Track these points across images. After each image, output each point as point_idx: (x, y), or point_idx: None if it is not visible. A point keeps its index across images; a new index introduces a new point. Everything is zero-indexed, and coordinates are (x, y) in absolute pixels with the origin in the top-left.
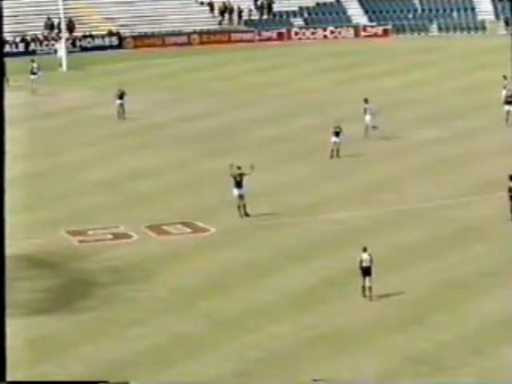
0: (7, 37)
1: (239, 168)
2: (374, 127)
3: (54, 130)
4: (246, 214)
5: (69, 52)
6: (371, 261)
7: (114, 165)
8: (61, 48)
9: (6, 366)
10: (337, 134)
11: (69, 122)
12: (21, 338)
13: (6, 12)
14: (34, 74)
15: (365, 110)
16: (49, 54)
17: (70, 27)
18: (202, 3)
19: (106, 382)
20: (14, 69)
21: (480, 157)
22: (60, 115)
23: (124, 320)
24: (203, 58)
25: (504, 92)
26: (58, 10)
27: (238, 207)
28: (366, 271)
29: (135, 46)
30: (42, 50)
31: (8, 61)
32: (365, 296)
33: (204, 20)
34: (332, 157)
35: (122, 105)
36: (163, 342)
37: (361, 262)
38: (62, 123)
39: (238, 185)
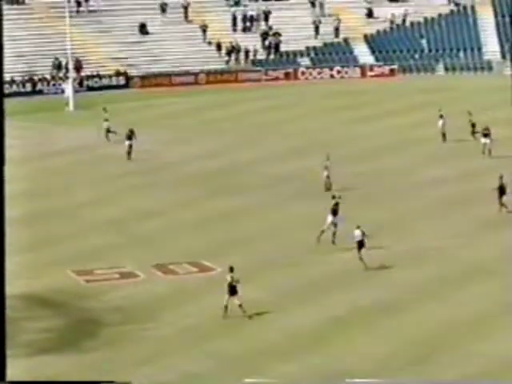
0: (15, 76)
1: (339, 197)
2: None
3: (60, 169)
4: (333, 242)
5: (76, 91)
6: (364, 235)
7: (121, 204)
8: (68, 88)
9: (6, 365)
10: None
11: (76, 162)
12: (25, 378)
13: (13, 52)
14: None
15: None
16: (56, 93)
17: (78, 67)
18: (209, 43)
19: (109, 382)
20: (21, 108)
21: (486, 195)
22: (67, 154)
23: (131, 360)
24: (210, 98)
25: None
26: (65, 49)
27: (322, 231)
28: (360, 244)
29: (142, 86)
30: (49, 90)
31: (15, 100)
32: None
33: (211, 60)
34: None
35: (130, 145)
36: (171, 382)
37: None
38: (68, 162)
39: (334, 213)
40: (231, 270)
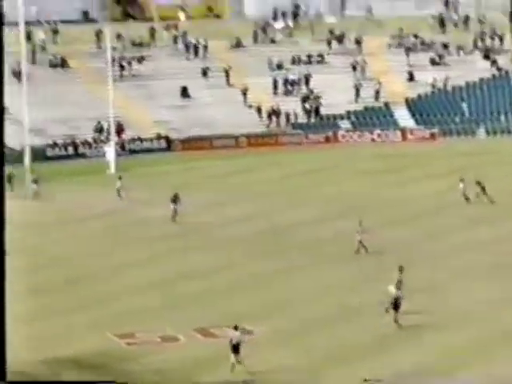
0: (57, 140)
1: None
2: None
3: (101, 231)
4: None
5: (118, 155)
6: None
7: (162, 266)
8: (110, 151)
9: (6, 365)
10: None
11: (116, 224)
12: None
13: (56, 115)
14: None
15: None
16: (98, 156)
17: (119, 130)
18: (250, 106)
19: (110, 382)
20: (63, 171)
21: None
22: (108, 216)
23: None
24: (251, 161)
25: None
26: (107, 113)
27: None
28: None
29: (183, 149)
30: (91, 153)
31: (57, 164)
32: None
33: (252, 123)
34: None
35: (175, 209)
36: None
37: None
38: (109, 224)
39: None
40: (235, 328)
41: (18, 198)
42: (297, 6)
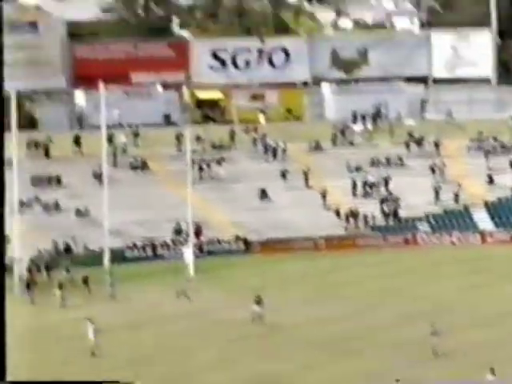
0: (136, 241)
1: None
2: None
3: (182, 333)
4: None
5: (196, 256)
6: None
7: (245, 367)
8: (188, 252)
9: (6, 365)
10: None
11: (196, 325)
12: None
13: (136, 216)
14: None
15: None
16: (176, 258)
17: (198, 232)
18: (328, 208)
19: (112, 382)
20: (142, 273)
21: None
22: (187, 318)
23: None
24: (329, 263)
25: None
26: (186, 214)
27: None
28: None
29: (262, 251)
30: (169, 255)
31: (136, 265)
32: None
33: (330, 225)
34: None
35: (258, 312)
36: None
37: None
38: (189, 326)
39: None
40: None
41: (95, 300)
42: (377, 110)
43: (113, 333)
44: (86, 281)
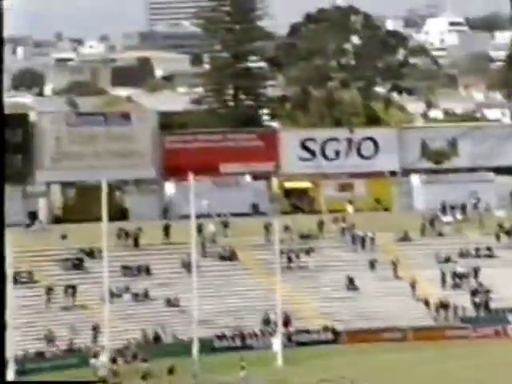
0: (225, 331)
1: None
2: None
3: None
4: None
5: (284, 346)
6: None
7: None
8: (276, 342)
9: (6, 365)
10: None
11: None
12: None
13: (225, 306)
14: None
15: None
16: (264, 348)
17: (286, 322)
18: (417, 299)
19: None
20: (230, 363)
21: None
22: None
23: None
24: (417, 354)
25: None
26: (274, 304)
27: None
28: None
29: (350, 341)
30: (258, 345)
31: (224, 356)
32: None
33: (419, 316)
34: None
35: None
36: None
37: None
38: None
39: None
40: None
41: None
42: (467, 201)
43: None
44: (171, 371)
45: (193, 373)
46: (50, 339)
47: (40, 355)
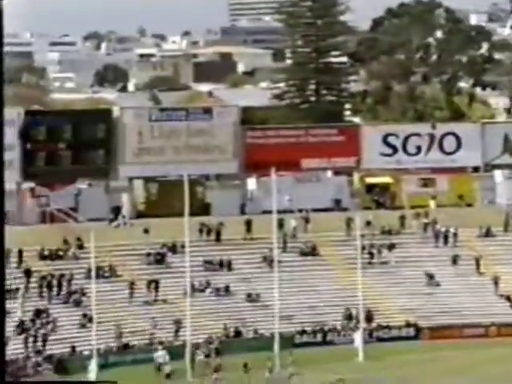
0: (306, 327)
1: None
2: None
3: None
4: None
5: (365, 342)
6: None
7: None
8: (358, 338)
9: (6, 365)
10: None
11: None
12: None
13: (306, 301)
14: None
15: None
16: (345, 344)
17: (368, 318)
18: (501, 295)
19: (112, 382)
20: (310, 359)
21: None
22: None
23: None
24: (500, 351)
25: None
26: (356, 300)
27: None
28: None
29: (431, 338)
30: (339, 340)
31: (305, 351)
32: None
33: (503, 312)
34: None
35: None
36: None
37: None
38: None
39: None
40: None
41: None
42: None
43: None
44: (245, 366)
45: (269, 368)
46: (132, 333)
47: (122, 349)
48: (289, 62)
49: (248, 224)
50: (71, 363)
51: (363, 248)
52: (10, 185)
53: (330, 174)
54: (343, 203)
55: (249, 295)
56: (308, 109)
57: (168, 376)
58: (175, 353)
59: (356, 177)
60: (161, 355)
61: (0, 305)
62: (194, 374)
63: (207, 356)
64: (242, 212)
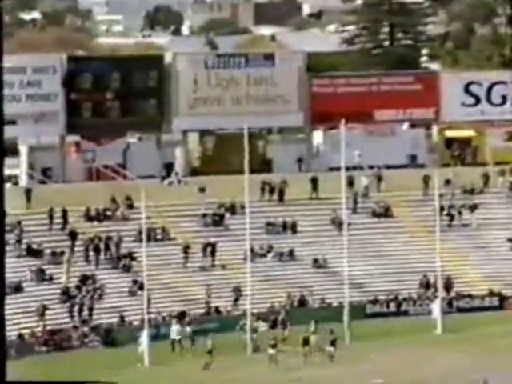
0: (379, 295)
1: None
2: None
3: None
4: None
5: (444, 313)
6: None
7: None
8: (436, 308)
9: (6, 365)
10: None
11: None
12: None
13: (378, 268)
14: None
15: None
16: (422, 314)
17: (447, 286)
18: None
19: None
20: (383, 330)
21: None
22: (434, 381)
23: None
24: None
25: None
26: (434, 266)
27: None
28: None
29: None
30: (415, 311)
31: (377, 321)
32: None
33: None
34: None
35: None
36: None
37: None
38: None
39: None
40: None
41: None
42: None
43: None
44: (306, 341)
45: (331, 341)
46: (186, 302)
47: (176, 319)
48: (359, 2)
49: (314, 182)
50: (120, 334)
51: (442, 209)
52: (53, 139)
53: (405, 126)
54: (420, 159)
55: (315, 260)
56: (381, 54)
57: (210, 352)
58: (231, 324)
59: (434, 130)
60: (175, 330)
61: (0, 304)
62: (254, 347)
63: (273, 327)
64: (308, 169)
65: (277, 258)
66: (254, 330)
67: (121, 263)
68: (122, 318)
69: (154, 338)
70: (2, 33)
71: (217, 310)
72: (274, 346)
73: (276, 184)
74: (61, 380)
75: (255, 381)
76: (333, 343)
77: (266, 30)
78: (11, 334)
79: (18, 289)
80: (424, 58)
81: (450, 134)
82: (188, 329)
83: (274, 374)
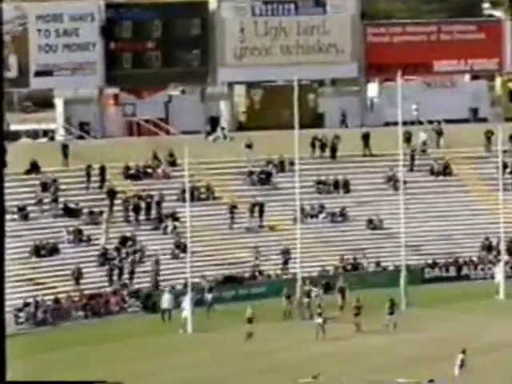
0: (437, 259)
1: None
2: None
3: (488, 368)
4: None
5: (507, 277)
6: None
7: None
8: (499, 273)
9: (6, 365)
10: None
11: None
12: None
13: (437, 229)
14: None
15: None
16: (484, 279)
17: (511, 248)
18: None
19: (103, 382)
20: (443, 296)
21: None
22: (496, 351)
23: None
24: None
25: None
26: (497, 228)
27: None
28: None
29: None
30: (476, 275)
31: (437, 286)
32: None
33: None
34: None
35: None
36: None
37: None
38: (498, 360)
39: None
40: None
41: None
42: None
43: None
44: (358, 310)
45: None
46: (232, 265)
47: (222, 283)
48: None
49: (368, 138)
50: (161, 299)
51: (505, 166)
52: (91, 91)
53: (466, 78)
54: (482, 113)
55: (370, 221)
56: (441, 0)
57: (250, 321)
58: (279, 288)
59: (497, 81)
60: (167, 299)
61: (0, 303)
62: (306, 314)
63: (326, 292)
64: (362, 123)
65: (328, 219)
66: (308, 295)
67: (162, 224)
68: (163, 281)
69: (198, 303)
70: (1, 33)
71: (263, 273)
72: (320, 315)
73: (328, 139)
74: (64, 379)
75: (300, 351)
76: (391, 312)
77: None
78: (47, 298)
79: (54, 250)
80: (486, 5)
81: None
82: (209, 296)
83: (320, 345)
